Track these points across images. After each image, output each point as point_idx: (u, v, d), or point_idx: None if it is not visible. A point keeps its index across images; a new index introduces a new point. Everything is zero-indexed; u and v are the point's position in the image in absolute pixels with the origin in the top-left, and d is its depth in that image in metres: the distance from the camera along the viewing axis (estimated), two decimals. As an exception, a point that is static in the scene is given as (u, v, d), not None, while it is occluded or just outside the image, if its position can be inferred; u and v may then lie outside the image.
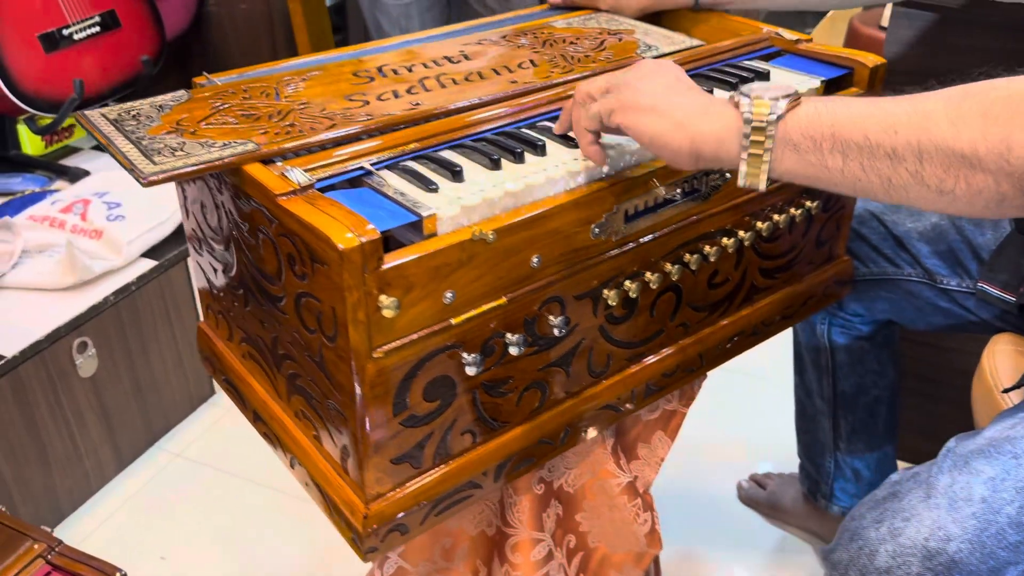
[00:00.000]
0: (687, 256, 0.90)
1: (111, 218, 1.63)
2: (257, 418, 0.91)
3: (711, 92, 0.81)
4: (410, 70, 0.94)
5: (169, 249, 1.62)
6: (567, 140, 0.83)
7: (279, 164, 0.75)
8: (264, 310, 0.81)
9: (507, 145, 0.81)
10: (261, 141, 0.76)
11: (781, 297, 1.06)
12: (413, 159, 0.80)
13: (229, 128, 0.79)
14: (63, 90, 1.85)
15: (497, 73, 0.93)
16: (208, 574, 1.45)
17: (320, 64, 0.95)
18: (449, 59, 0.97)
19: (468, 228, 0.72)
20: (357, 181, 0.77)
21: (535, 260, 0.77)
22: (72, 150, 2.04)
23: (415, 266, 0.68)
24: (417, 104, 0.85)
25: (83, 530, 1.52)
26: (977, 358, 0.99)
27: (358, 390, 0.70)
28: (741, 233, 0.94)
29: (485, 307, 0.75)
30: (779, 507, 1.52)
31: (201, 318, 1.01)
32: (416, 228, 0.71)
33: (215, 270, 0.90)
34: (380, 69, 0.93)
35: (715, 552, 1.50)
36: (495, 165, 0.78)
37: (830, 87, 0.99)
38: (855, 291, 1.17)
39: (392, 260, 0.67)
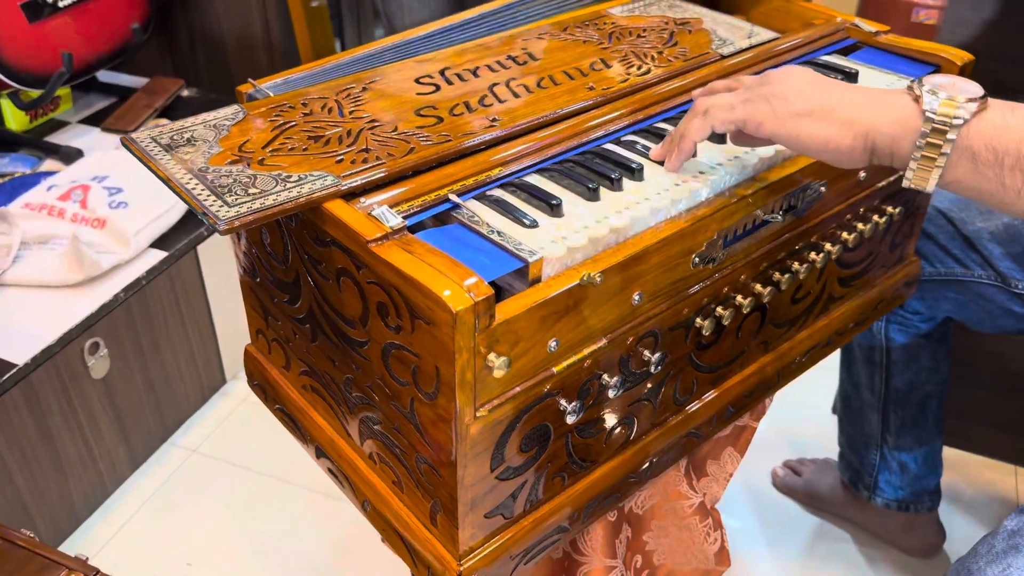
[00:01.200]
0: (776, 275, 0.85)
1: (113, 205, 1.54)
2: (321, 454, 0.85)
3: None
4: (475, 74, 0.86)
5: (178, 238, 1.53)
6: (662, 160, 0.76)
7: (363, 201, 0.68)
8: (338, 350, 0.75)
9: (601, 169, 0.74)
10: (339, 172, 0.69)
11: (855, 304, 1.02)
12: (500, 187, 0.73)
13: (299, 156, 0.71)
14: (49, 62, 1.73)
15: (570, 77, 0.86)
16: (236, 578, 1.41)
17: (376, 68, 0.87)
18: (515, 60, 0.89)
19: (575, 271, 0.66)
20: (444, 215, 0.70)
21: (636, 297, 0.71)
22: (58, 124, 1.92)
23: (524, 319, 0.63)
24: (495, 121, 0.78)
25: (101, 536, 1.47)
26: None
27: (458, 450, 0.65)
28: (828, 246, 0.89)
29: (585, 351, 0.69)
30: (816, 495, 1.50)
31: (249, 340, 0.94)
32: (520, 273, 0.65)
33: (273, 299, 0.83)
34: (443, 74, 0.85)
35: (752, 543, 1.48)
36: (593, 195, 0.71)
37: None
38: (919, 290, 1.13)
39: (503, 315, 0.61)
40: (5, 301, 1.38)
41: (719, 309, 0.80)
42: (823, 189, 0.83)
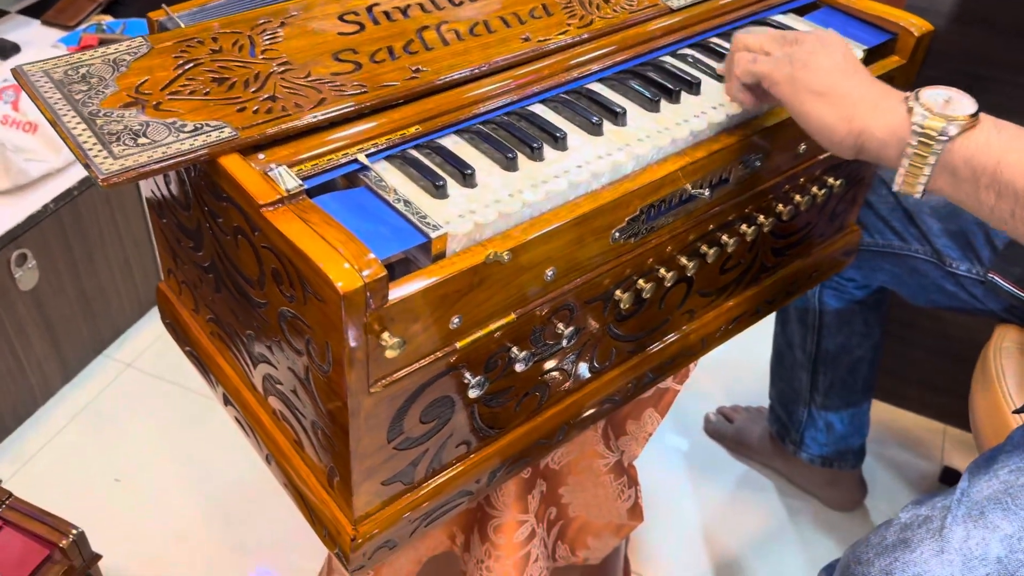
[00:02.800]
0: (704, 248, 0.83)
1: (46, 108, 1.47)
2: (228, 402, 0.83)
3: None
4: (406, 13, 0.80)
5: (113, 148, 1.47)
6: (590, 125, 0.73)
7: (261, 157, 0.64)
8: (240, 305, 0.72)
9: (523, 135, 0.70)
10: (239, 124, 0.65)
11: (788, 273, 1.00)
12: (416, 147, 0.69)
13: (199, 101, 0.67)
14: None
15: (506, 25, 0.81)
16: (165, 497, 1.41)
17: (300, 3, 0.81)
18: (449, -1, 0.84)
19: (482, 247, 0.63)
20: (352, 176, 0.67)
21: (549, 273, 0.69)
22: (-6, 13, 1.82)
23: (422, 297, 0.60)
24: (418, 70, 0.73)
25: (30, 447, 1.46)
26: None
27: (351, 423, 0.63)
28: (761, 218, 0.87)
29: (492, 326, 0.67)
30: (745, 443, 1.52)
31: (161, 276, 0.91)
32: (423, 248, 0.62)
33: (179, 242, 0.79)
34: (371, 11, 0.80)
35: (677, 485, 1.51)
36: (511, 165, 0.68)
37: (871, 55, 0.89)
38: (856, 259, 1.12)
39: (398, 293, 0.59)
40: (-75, 206, 1.33)
41: (641, 282, 0.79)
42: (758, 164, 0.81)
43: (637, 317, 0.83)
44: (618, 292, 0.77)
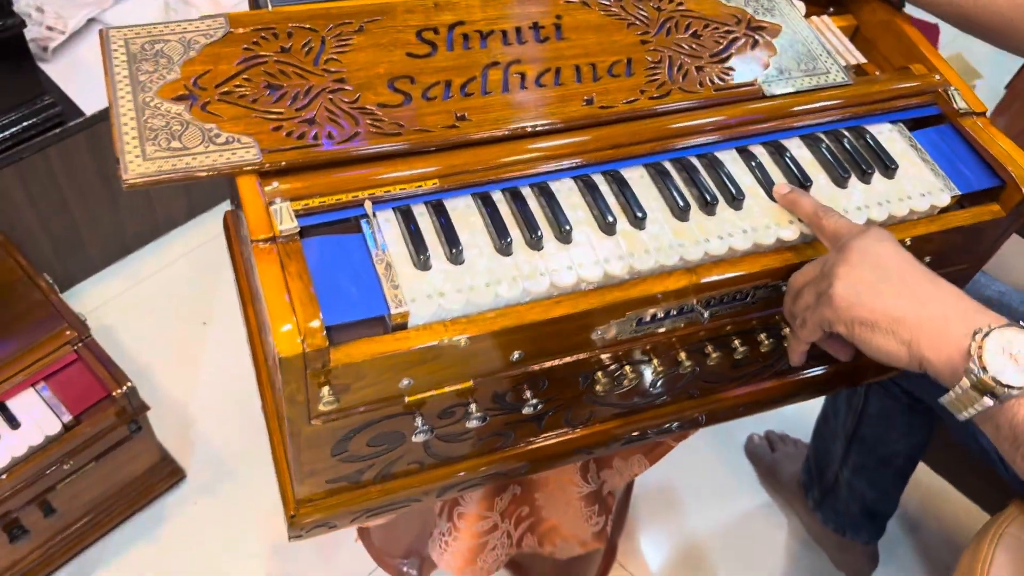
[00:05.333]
0: (710, 349, 0.82)
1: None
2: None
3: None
4: (485, 40, 0.80)
5: None
6: (604, 223, 0.72)
7: (274, 185, 0.68)
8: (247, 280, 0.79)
9: (529, 218, 0.71)
10: (268, 144, 0.69)
11: (823, 375, 0.97)
12: (427, 203, 0.72)
13: (243, 109, 0.71)
14: None
15: (578, 78, 0.79)
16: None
17: (382, 3, 0.82)
18: (538, 30, 0.82)
19: (442, 328, 0.66)
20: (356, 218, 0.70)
21: (517, 355, 0.71)
22: None
23: (369, 364, 0.65)
24: (462, 118, 0.74)
25: (143, 270, 1.64)
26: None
27: (290, 441, 0.70)
28: (787, 330, 0.84)
29: (447, 389, 0.71)
30: (776, 476, 1.51)
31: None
32: (384, 319, 0.66)
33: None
34: (452, 30, 0.80)
35: (695, 490, 1.53)
36: (505, 248, 0.69)
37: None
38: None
39: (346, 358, 0.63)
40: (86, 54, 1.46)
41: (626, 369, 0.79)
42: (784, 287, 0.78)
43: (622, 393, 0.84)
44: (599, 375, 0.79)
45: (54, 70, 1.40)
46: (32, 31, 1.40)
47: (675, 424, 0.92)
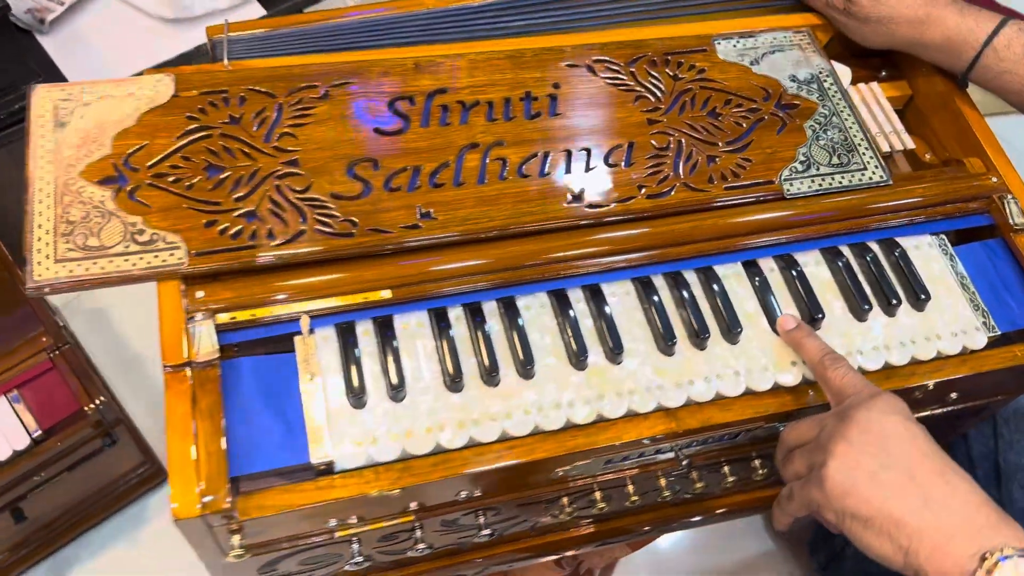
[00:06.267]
0: (694, 475, 0.74)
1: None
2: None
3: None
4: (465, 115, 0.70)
5: (285, -2, 1.44)
6: (574, 355, 0.63)
7: (199, 295, 0.60)
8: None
9: (489, 347, 0.62)
10: (197, 246, 0.61)
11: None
12: (375, 319, 0.63)
13: (176, 198, 0.63)
14: None
15: (567, 165, 0.69)
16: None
17: (369, 54, 0.73)
18: (530, 101, 0.71)
19: (373, 476, 0.59)
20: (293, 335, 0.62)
21: (464, 494, 0.64)
22: None
23: (285, 516, 0.58)
24: (427, 216, 0.65)
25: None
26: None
27: (209, 569, 0.64)
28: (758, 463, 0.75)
29: (385, 524, 0.64)
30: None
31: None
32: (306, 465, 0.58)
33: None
34: (430, 100, 0.70)
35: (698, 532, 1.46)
36: (455, 385, 0.61)
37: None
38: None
39: (251, 511, 0.56)
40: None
41: (598, 495, 0.72)
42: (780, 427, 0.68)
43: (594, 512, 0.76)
44: (564, 501, 0.71)
45: (52, 43, 1.32)
46: (28, 2, 1.32)
47: (654, 529, 0.84)
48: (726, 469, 0.74)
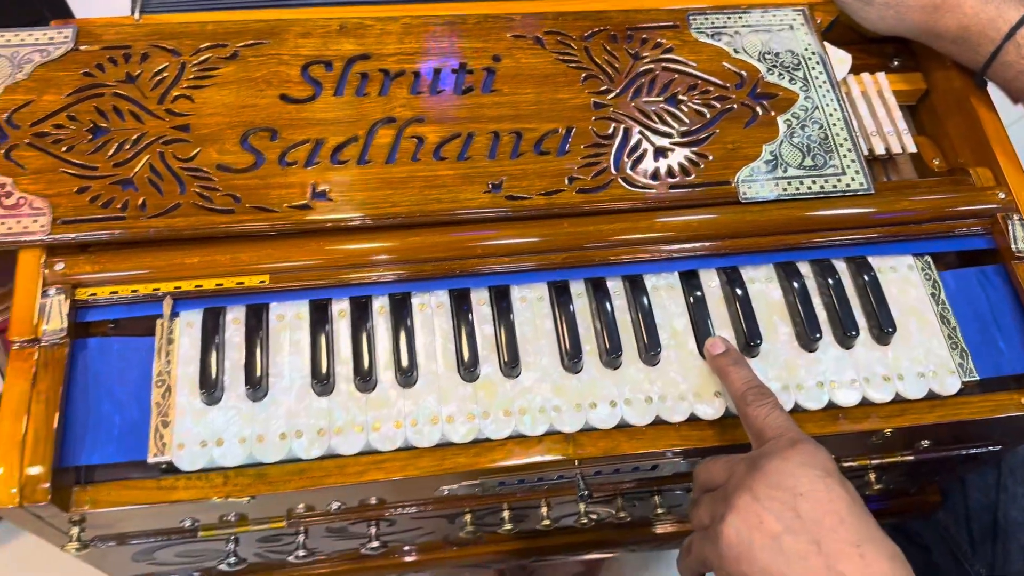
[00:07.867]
0: (619, 502, 0.66)
1: None
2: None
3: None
4: (385, 86, 0.63)
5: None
6: (467, 366, 0.56)
7: (59, 267, 0.56)
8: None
9: (370, 344, 0.56)
10: (63, 213, 0.57)
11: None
12: (249, 305, 0.58)
13: (52, 159, 0.58)
14: None
15: (492, 149, 0.62)
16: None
17: (296, 10, 0.66)
18: (462, 73, 0.64)
19: (220, 480, 0.54)
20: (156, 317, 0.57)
21: (336, 506, 0.58)
22: None
23: (126, 512, 0.53)
24: (322, 194, 0.59)
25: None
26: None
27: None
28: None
29: (253, 528, 0.59)
30: None
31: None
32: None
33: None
34: (349, 66, 0.64)
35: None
36: (324, 388, 0.55)
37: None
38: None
39: (84, 504, 0.52)
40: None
41: (503, 514, 0.65)
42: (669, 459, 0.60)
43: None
44: (467, 518, 0.65)
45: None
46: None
47: (591, 553, 0.77)
48: (656, 500, 0.66)
